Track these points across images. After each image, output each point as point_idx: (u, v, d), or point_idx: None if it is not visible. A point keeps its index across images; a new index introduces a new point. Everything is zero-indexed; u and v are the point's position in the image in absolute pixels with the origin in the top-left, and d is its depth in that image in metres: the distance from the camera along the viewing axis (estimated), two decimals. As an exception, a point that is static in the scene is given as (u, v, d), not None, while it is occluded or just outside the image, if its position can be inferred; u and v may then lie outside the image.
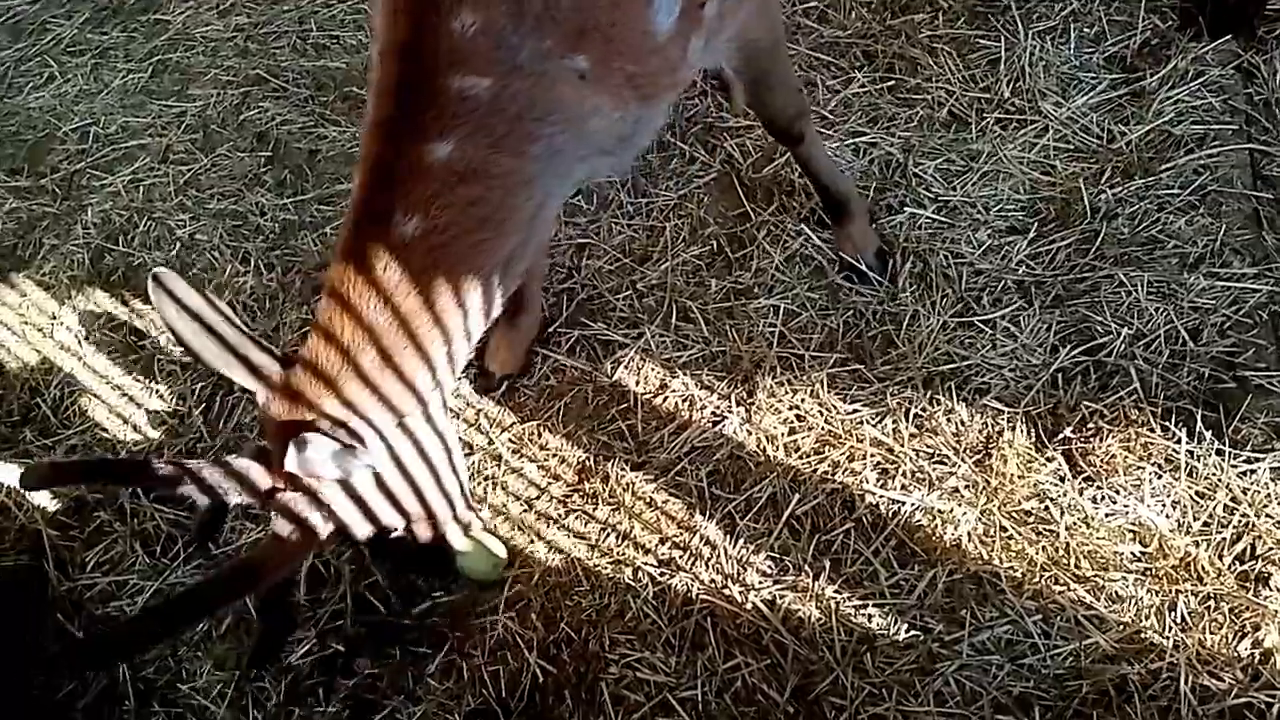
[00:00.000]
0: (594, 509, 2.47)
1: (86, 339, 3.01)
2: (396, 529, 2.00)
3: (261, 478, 1.79)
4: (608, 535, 2.43)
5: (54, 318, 3.08)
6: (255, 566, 1.87)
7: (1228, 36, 2.85)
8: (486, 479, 2.55)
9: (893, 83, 2.99)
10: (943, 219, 2.73)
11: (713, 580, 2.33)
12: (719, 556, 2.36)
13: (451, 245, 1.78)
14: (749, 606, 2.28)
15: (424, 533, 2.09)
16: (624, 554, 2.40)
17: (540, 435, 2.60)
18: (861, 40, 3.09)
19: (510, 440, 2.61)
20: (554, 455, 2.57)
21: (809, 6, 3.19)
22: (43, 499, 2.68)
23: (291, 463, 1.71)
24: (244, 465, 1.79)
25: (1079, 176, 2.72)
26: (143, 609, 2.47)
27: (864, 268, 2.63)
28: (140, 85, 3.57)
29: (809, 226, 2.77)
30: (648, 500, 2.46)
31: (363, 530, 1.94)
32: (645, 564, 2.38)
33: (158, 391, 2.86)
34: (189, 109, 3.45)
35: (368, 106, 1.79)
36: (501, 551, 2.35)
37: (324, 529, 1.85)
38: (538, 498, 2.52)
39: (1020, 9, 3.04)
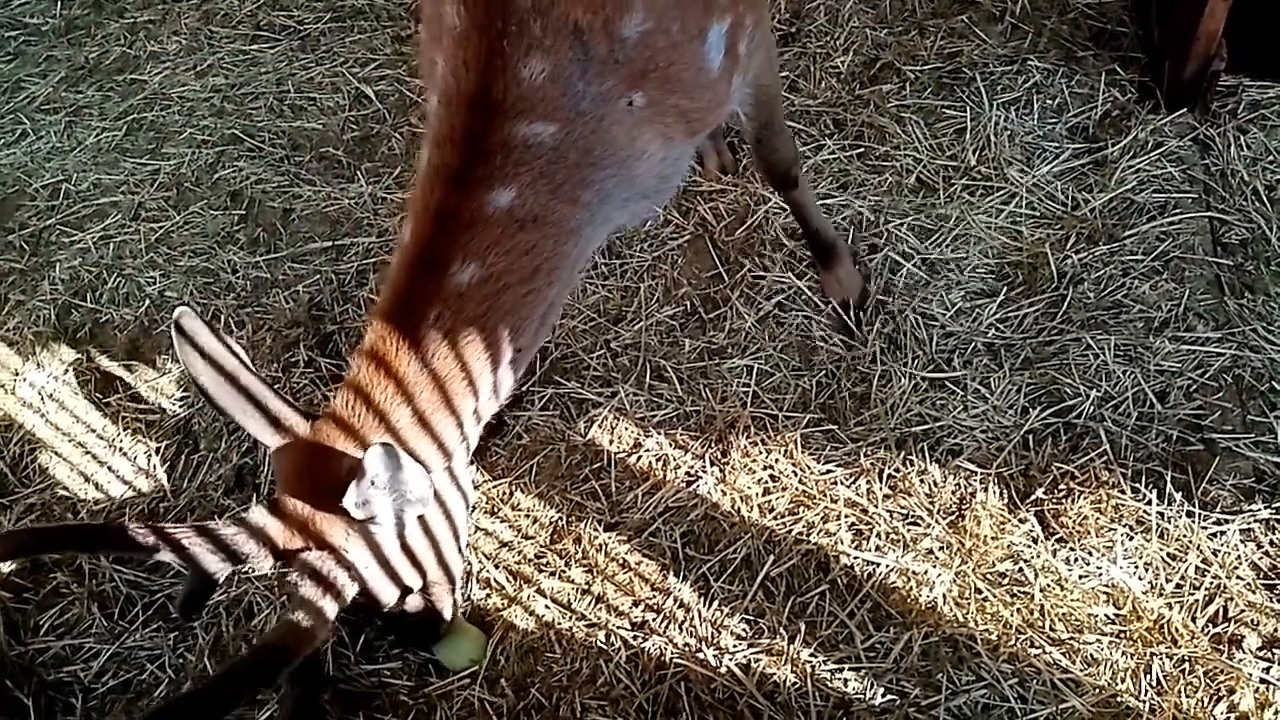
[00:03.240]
0: (566, 570, 2.43)
1: (50, 396, 2.96)
2: (413, 593, 1.91)
3: (281, 535, 1.69)
4: (580, 597, 2.39)
5: (17, 374, 3.02)
6: (282, 646, 1.59)
7: (1184, 110, 2.95)
8: (457, 540, 2.51)
9: (862, 150, 3.05)
10: (921, 272, 2.77)
11: (686, 644, 2.30)
12: (693, 619, 2.33)
13: (504, 294, 1.77)
14: (723, 671, 2.25)
15: (416, 602, 1.99)
16: (596, 617, 2.36)
17: (512, 495, 2.57)
18: (831, 109, 3.16)
19: (482, 500, 2.57)
20: (526, 515, 2.54)
21: (780, 76, 3.26)
22: (-3, 560, 2.61)
23: (370, 472, 1.60)
24: (262, 520, 1.68)
25: (1045, 242, 2.78)
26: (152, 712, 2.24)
27: (853, 313, 2.68)
28: (114, 143, 3.56)
29: (793, 274, 2.79)
30: (621, 561, 2.43)
31: (388, 594, 1.83)
32: (618, 627, 2.34)
33: (121, 449, 2.80)
34: (163, 167, 3.45)
35: (426, 154, 1.78)
36: (481, 643, 2.31)
37: (350, 591, 1.71)
38: (509, 559, 2.48)
39: (985, 81, 3.13)
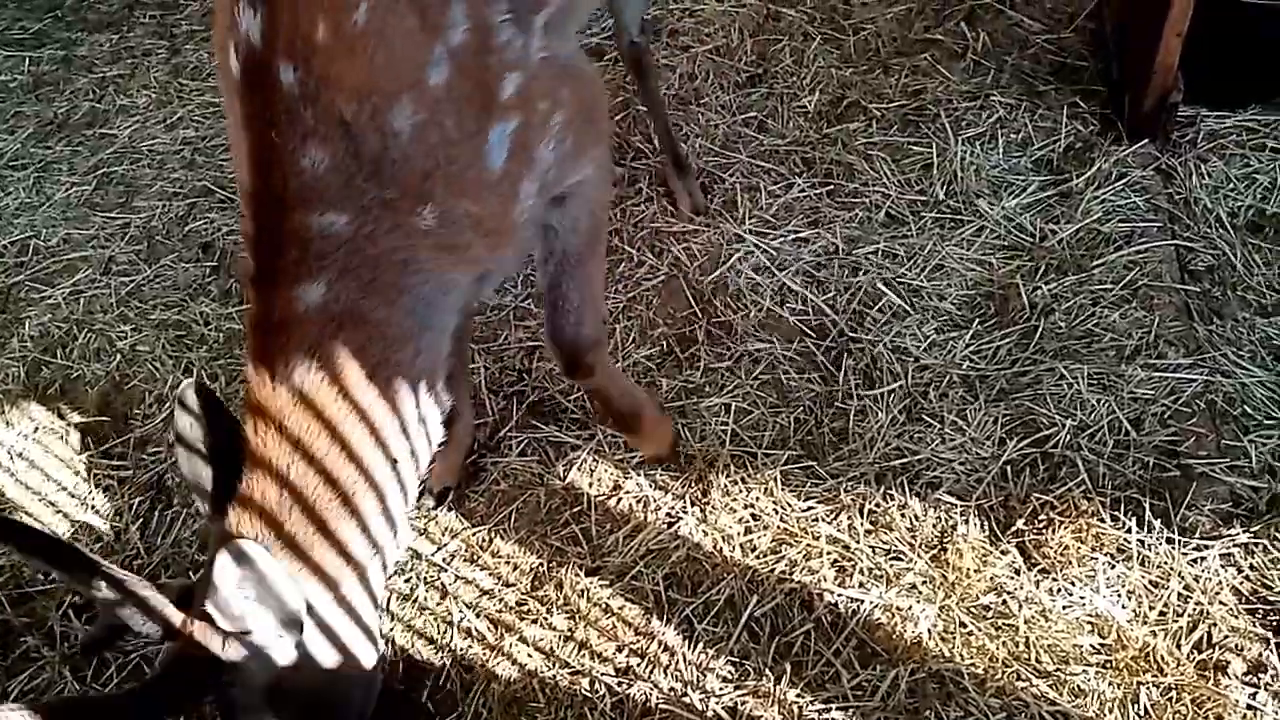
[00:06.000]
0: (549, 617, 2.41)
1: (20, 455, 2.91)
2: None
3: (174, 615, 1.64)
4: (563, 644, 2.36)
5: (-15, 433, 2.98)
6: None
7: (1145, 140, 3.01)
8: (436, 589, 2.48)
9: (831, 187, 3.08)
10: (900, 302, 2.78)
11: (672, 688, 2.27)
12: (678, 663, 2.30)
13: (346, 399, 1.71)
14: (710, 715, 2.22)
15: None
16: (580, 664, 2.33)
17: (492, 541, 2.55)
18: (800, 148, 3.19)
19: (461, 547, 2.55)
20: (506, 562, 2.51)
21: (748, 117, 3.30)
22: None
23: (224, 579, 1.56)
24: (162, 603, 1.63)
25: (1016, 273, 2.81)
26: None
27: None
28: (84, 198, 3.55)
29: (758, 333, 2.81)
30: (604, 606, 2.40)
31: None
32: (602, 674, 2.30)
33: (93, 507, 2.76)
34: (133, 220, 3.43)
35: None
36: None
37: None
38: (490, 607, 2.44)
39: (949, 117, 3.18)
